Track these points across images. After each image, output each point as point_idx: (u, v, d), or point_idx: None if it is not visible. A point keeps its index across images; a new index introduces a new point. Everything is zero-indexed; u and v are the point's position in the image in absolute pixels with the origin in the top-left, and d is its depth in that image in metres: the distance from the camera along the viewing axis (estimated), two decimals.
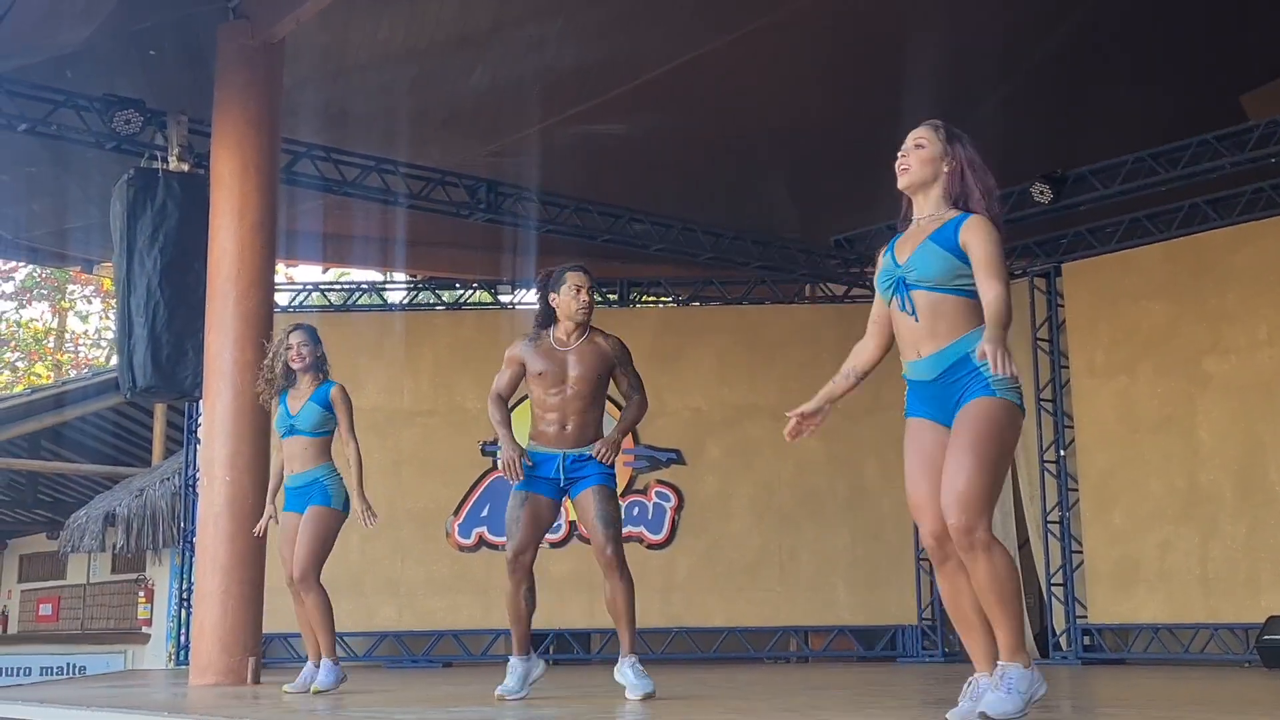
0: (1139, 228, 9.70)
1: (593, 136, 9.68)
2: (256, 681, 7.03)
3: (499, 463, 5.41)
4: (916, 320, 3.57)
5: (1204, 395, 9.20)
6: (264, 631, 7.62)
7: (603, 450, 5.21)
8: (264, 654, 7.80)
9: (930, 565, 11.39)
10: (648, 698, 5.07)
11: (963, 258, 3.54)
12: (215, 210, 7.37)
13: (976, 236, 3.54)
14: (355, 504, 6.08)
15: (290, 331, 6.27)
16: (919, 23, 8.35)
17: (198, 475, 8.95)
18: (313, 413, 6.16)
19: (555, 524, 5.60)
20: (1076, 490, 9.96)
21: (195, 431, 10.17)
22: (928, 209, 3.68)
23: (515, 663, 5.29)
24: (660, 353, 10.96)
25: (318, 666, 6.15)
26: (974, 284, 3.52)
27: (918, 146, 3.71)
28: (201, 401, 7.87)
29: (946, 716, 3.50)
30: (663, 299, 11.89)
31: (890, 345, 3.78)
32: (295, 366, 6.18)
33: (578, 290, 5.29)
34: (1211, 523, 9.05)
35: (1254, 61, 9.65)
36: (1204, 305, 9.25)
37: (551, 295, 5.34)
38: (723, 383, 10.94)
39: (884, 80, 8.57)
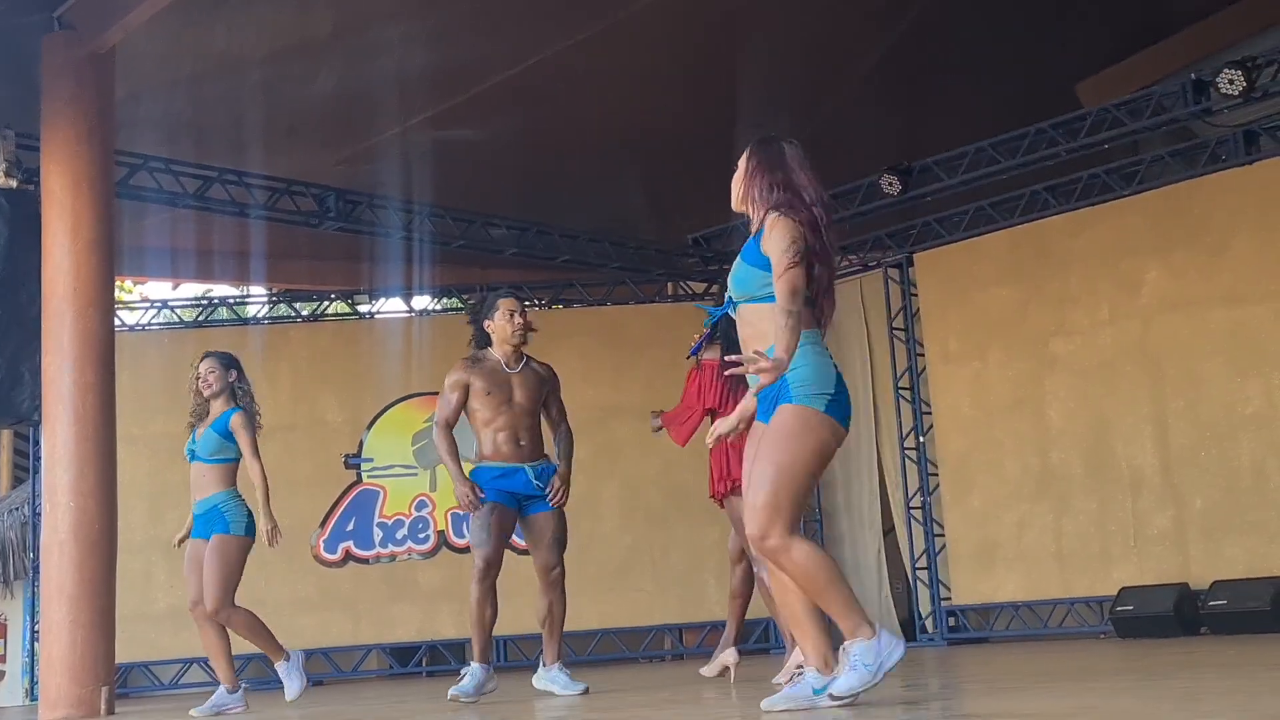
0: (984, 216, 9.94)
1: (444, 141, 9.60)
2: (110, 712, 6.80)
3: (456, 496, 5.61)
4: (747, 331, 3.66)
5: (1052, 376, 9.46)
6: (120, 661, 7.39)
7: (557, 494, 5.58)
8: (118, 683, 7.55)
9: None
10: (584, 694, 5.47)
11: (765, 265, 3.61)
12: (48, 227, 7.12)
13: (768, 242, 3.62)
14: (261, 524, 6.12)
15: (200, 359, 6.34)
16: (761, 21, 8.45)
17: (42, 504, 8.63)
18: (210, 439, 6.22)
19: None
20: (937, 475, 10.17)
21: (40, 458, 9.81)
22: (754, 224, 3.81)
23: (475, 668, 5.50)
24: None
25: (231, 691, 6.21)
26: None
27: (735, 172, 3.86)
28: (42, 426, 7.59)
29: (761, 704, 3.59)
30: (524, 304, 11.82)
31: None
32: (205, 394, 6.22)
33: (511, 315, 5.65)
34: (1064, 500, 9.31)
35: (1087, 50, 9.97)
36: (1048, 289, 9.52)
37: (486, 321, 5.67)
38: (587, 384, 10.88)
39: (730, 78, 8.65)
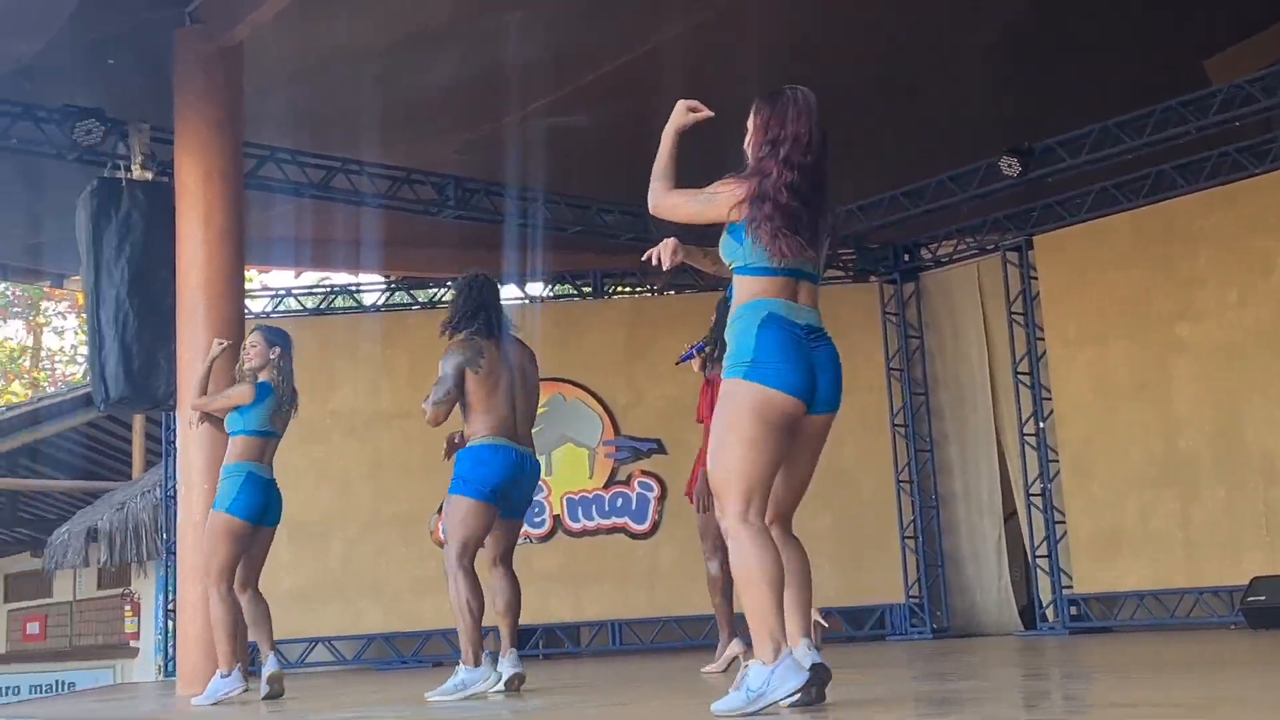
0: (1108, 197, 9.73)
1: (559, 128, 9.64)
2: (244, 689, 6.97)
3: None
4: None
5: (1178, 360, 9.24)
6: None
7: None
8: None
9: (915, 544, 11.31)
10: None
11: (735, 235, 3.54)
12: (181, 218, 7.34)
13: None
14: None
15: (250, 332, 6.28)
16: (878, 1, 8.34)
17: (177, 486, 8.90)
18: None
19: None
20: (1057, 461, 9.99)
21: (174, 442, 10.12)
22: None
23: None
24: (635, 343, 10.96)
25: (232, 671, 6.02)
26: (748, 263, 3.50)
27: None
28: (176, 411, 7.83)
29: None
30: (637, 289, 11.88)
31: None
32: (246, 366, 6.11)
33: None
34: (1191, 487, 9.09)
35: (1216, 26, 9.67)
36: (1175, 271, 9.29)
37: None
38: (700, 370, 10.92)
39: (845, 59, 8.56)
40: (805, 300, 3.53)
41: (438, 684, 5.25)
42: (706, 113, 3.70)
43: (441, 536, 10.39)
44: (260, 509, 5.99)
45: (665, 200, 3.61)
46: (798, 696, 3.28)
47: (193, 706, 5.88)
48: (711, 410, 5.91)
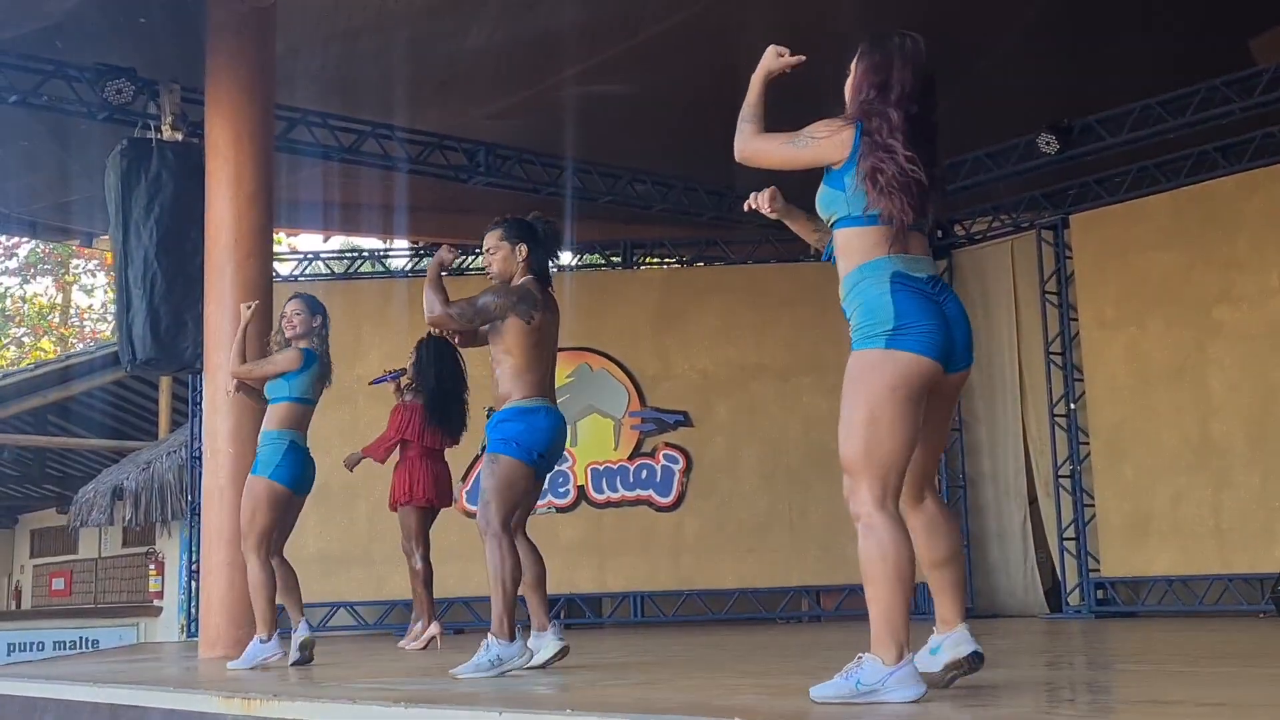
0: (1147, 176, 9.58)
1: (592, 97, 9.55)
2: None
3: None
4: (839, 255, 3.36)
5: (1215, 345, 9.10)
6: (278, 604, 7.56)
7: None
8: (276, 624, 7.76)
9: None
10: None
11: (835, 183, 3.31)
12: (211, 179, 7.30)
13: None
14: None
15: (289, 300, 6.20)
16: None
17: (203, 450, 8.90)
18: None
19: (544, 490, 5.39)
20: (1087, 444, 9.88)
21: (200, 404, 10.12)
22: None
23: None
24: (665, 314, 10.89)
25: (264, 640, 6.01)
26: (853, 212, 3.27)
27: None
28: (204, 374, 7.81)
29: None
30: (667, 260, 11.80)
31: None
32: (288, 333, 6.04)
33: (485, 252, 5.17)
34: (1224, 473, 8.98)
35: (1261, 6, 9.48)
36: (1214, 254, 9.15)
37: None
38: (728, 343, 10.87)
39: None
40: (919, 250, 3.28)
41: (459, 652, 5.15)
42: (797, 59, 3.47)
43: (467, 505, 10.48)
44: (301, 478, 5.97)
45: (755, 143, 3.37)
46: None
47: (229, 670, 5.84)
48: (399, 429, 7.51)
